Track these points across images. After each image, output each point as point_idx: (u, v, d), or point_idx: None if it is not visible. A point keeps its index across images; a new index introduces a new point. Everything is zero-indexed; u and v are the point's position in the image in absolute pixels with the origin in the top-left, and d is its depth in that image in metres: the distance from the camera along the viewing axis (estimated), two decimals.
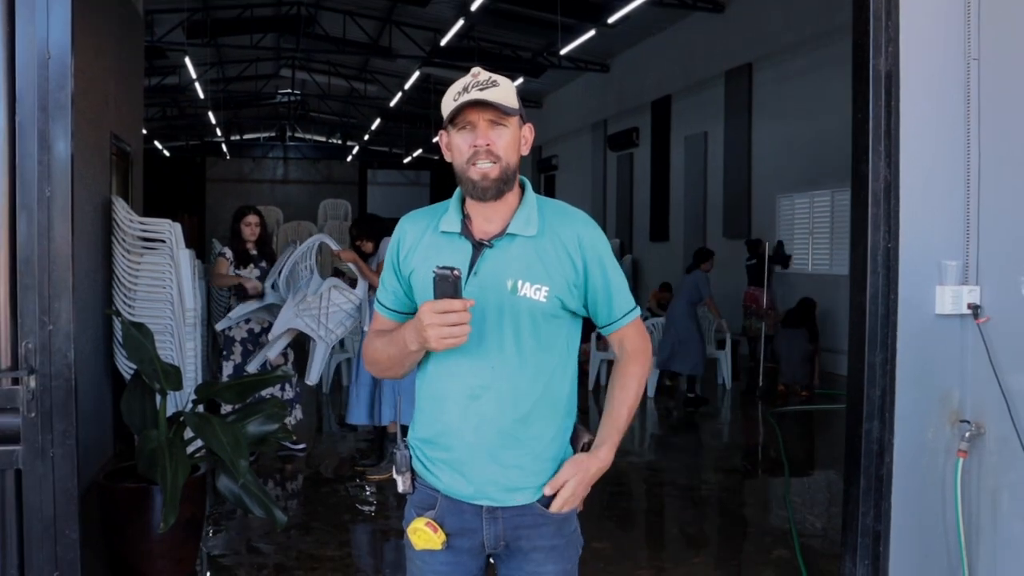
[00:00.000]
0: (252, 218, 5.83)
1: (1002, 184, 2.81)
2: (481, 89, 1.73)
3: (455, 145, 1.79)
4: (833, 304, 9.55)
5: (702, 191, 13.19)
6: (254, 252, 5.84)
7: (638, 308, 1.92)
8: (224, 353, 5.81)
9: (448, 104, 1.76)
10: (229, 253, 5.81)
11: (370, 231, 5.57)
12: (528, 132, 1.84)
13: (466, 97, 1.73)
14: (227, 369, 5.72)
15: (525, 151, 1.83)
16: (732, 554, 4.41)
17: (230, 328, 5.78)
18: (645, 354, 1.92)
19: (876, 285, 2.86)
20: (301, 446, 6.03)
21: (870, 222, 2.86)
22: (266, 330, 5.80)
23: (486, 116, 1.75)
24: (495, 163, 1.75)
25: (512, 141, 1.78)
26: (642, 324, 1.96)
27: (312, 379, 5.63)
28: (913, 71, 2.85)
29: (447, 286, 1.63)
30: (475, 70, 1.78)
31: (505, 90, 1.76)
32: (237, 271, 5.77)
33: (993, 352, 2.74)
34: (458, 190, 1.85)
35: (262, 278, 5.80)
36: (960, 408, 2.87)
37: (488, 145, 1.75)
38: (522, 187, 1.86)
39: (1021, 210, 2.75)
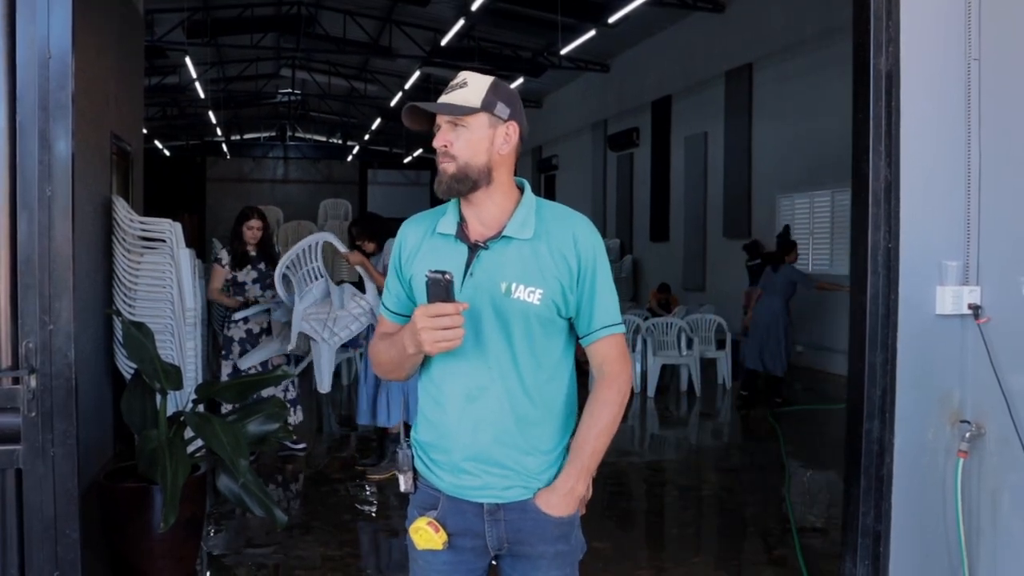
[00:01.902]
0: (255, 222, 5.80)
1: (1003, 184, 2.80)
2: (446, 93, 1.79)
3: None
4: (833, 304, 9.55)
5: (702, 191, 13.18)
6: (253, 254, 5.83)
7: (623, 327, 1.87)
8: (223, 353, 5.82)
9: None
10: (225, 258, 5.80)
11: (371, 231, 5.56)
12: (511, 130, 1.81)
13: (420, 102, 1.79)
14: (226, 369, 5.73)
15: (504, 150, 1.80)
16: (732, 554, 4.41)
17: (229, 328, 5.79)
18: (622, 378, 1.85)
19: (876, 285, 2.86)
20: (301, 446, 6.04)
21: (870, 222, 2.86)
22: (265, 330, 5.81)
23: (445, 117, 1.79)
24: (451, 162, 1.78)
25: (474, 140, 1.78)
26: (624, 345, 1.88)
27: (324, 387, 5.60)
28: (914, 71, 2.85)
29: (439, 290, 1.64)
30: (461, 73, 1.82)
31: (468, 91, 1.78)
32: (234, 272, 5.77)
33: (993, 352, 2.74)
34: None
35: (259, 280, 5.80)
36: (960, 408, 2.87)
37: (445, 146, 1.78)
38: (520, 189, 1.86)
39: (1022, 210, 2.75)
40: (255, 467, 5.61)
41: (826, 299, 9.60)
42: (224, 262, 5.77)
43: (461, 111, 1.77)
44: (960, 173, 2.86)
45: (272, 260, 5.88)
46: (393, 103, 20.27)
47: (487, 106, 1.77)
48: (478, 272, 1.78)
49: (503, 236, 1.80)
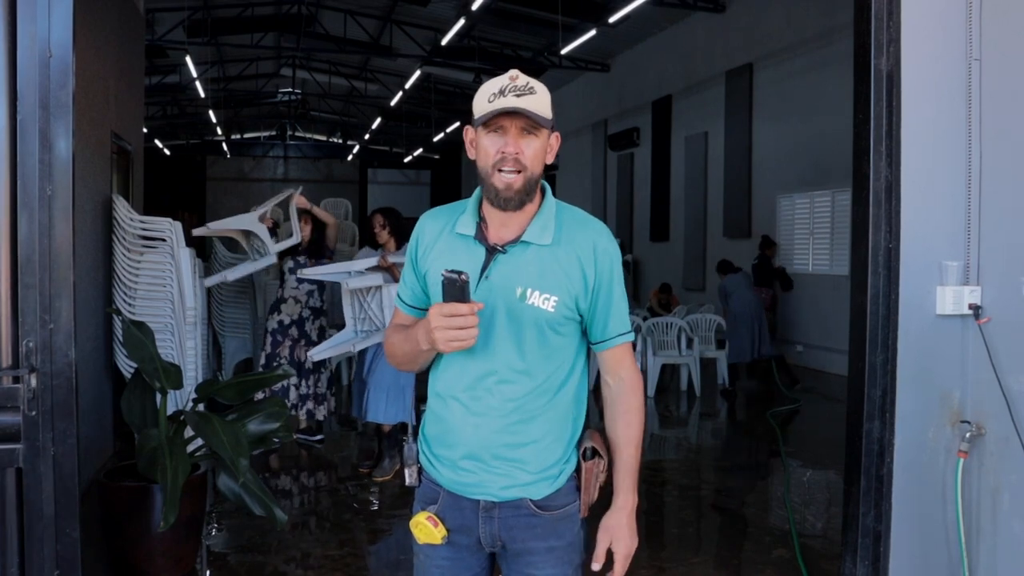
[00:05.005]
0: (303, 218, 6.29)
1: (1003, 184, 2.81)
2: (518, 95, 1.71)
3: (482, 146, 1.76)
4: (833, 304, 9.55)
5: (702, 191, 13.18)
6: (302, 252, 6.17)
7: (633, 334, 1.90)
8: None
9: (481, 105, 1.73)
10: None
11: (393, 224, 5.54)
12: (555, 140, 1.81)
13: (501, 102, 1.70)
14: (260, 360, 6.16)
15: (550, 159, 1.80)
16: (732, 554, 4.41)
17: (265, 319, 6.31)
18: (640, 383, 1.92)
19: (877, 285, 2.86)
20: (318, 437, 6.29)
21: (871, 222, 2.86)
22: (296, 322, 6.09)
23: (518, 123, 1.73)
24: (520, 172, 1.73)
25: (540, 151, 1.76)
26: (632, 351, 1.92)
27: (315, 356, 5.56)
28: (914, 71, 2.85)
29: (455, 290, 1.64)
30: (513, 73, 1.75)
31: (541, 98, 1.73)
32: (281, 262, 6.25)
33: (994, 352, 2.74)
34: (477, 191, 1.84)
35: (295, 269, 6.12)
36: (960, 408, 2.87)
37: (517, 154, 1.73)
38: (542, 193, 1.84)
39: (1022, 210, 2.75)
40: (267, 463, 5.66)
41: (826, 299, 9.60)
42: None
43: (546, 122, 1.73)
44: (961, 173, 2.87)
45: (318, 254, 6.20)
46: (393, 102, 20.27)
47: (552, 118, 1.77)
48: (494, 275, 1.78)
49: (522, 241, 1.79)
